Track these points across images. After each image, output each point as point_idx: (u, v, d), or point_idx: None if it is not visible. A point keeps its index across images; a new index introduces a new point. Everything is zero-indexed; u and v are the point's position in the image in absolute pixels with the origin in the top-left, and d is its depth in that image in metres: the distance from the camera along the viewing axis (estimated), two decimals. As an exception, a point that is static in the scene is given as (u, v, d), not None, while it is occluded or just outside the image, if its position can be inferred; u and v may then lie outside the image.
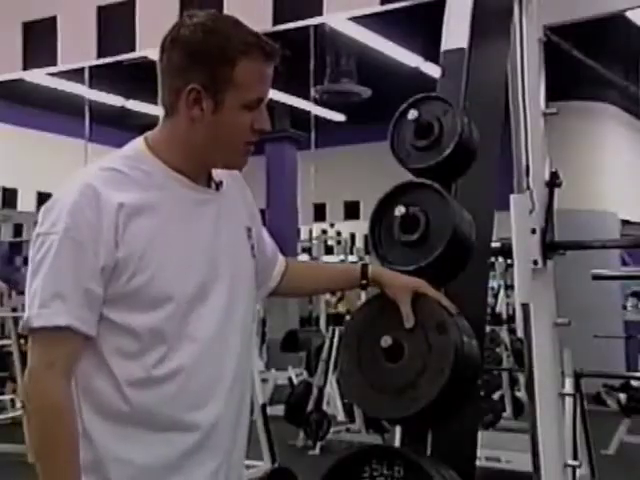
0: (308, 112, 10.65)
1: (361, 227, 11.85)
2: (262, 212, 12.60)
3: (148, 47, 3.92)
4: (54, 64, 4.40)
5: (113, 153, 1.59)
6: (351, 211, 14.36)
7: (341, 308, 11.25)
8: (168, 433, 1.52)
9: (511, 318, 8.23)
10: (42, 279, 1.46)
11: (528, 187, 2.34)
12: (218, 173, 1.65)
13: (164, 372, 1.50)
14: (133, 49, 3.99)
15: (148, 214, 1.50)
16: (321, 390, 7.03)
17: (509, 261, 2.41)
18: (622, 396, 6.98)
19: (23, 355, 6.28)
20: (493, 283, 8.94)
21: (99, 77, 7.79)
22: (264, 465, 5.30)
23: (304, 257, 11.76)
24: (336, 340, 7.04)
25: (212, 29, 1.52)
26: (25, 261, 9.19)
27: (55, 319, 1.44)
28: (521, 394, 7.51)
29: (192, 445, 1.53)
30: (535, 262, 2.27)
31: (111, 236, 1.46)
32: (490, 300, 8.69)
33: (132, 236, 1.48)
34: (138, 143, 1.59)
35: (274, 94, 11.49)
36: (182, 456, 1.53)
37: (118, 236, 1.46)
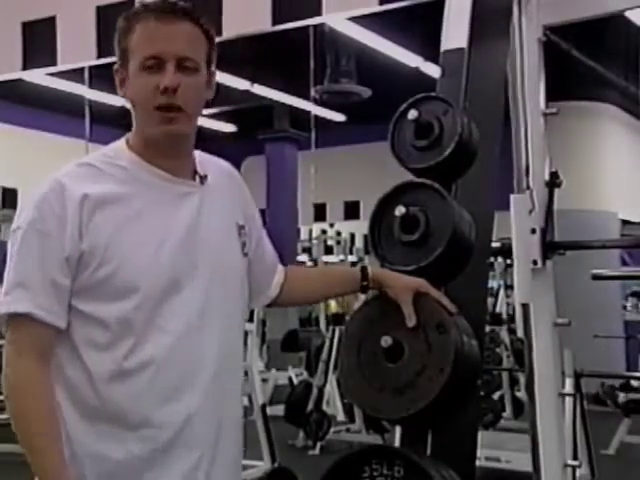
0: (308, 112, 10.63)
1: (361, 227, 11.83)
2: (262, 212, 12.59)
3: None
4: (54, 64, 4.40)
5: (96, 150, 1.62)
6: (351, 211, 14.35)
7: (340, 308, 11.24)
8: (140, 428, 1.51)
9: (511, 318, 8.23)
10: (10, 270, 1.50)
11: (528, 187, 2.34)
12: (205, 167, 1.65)
13: (134, 364, 1.50)
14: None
15: (116, 206, 1.51)
16: (321, 390, 7.03)
17: (509, 261, 2.41)
18: (622, 395, 6.98)
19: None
20: (493, 283, 8.93)
21: (99, 77, 7.78)
22: (264, 465, 5.30)
23: (304, 257, 11.75)
24: (336, 340, 7.04)
25: (121, 16, 1.57)
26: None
27: (14, 306, 1.48)
28: (521, 394, 7.50)
29: (166, 440, 1.53)
30: (535, 262, 2.27)
31: (75, 227, 1.48)
32: (490, 300, 8.68)
33: (97, 227, 1.49)
34: (119, 141, 1.62)
35: (274, 94, 11.51)
36: (156, 451, 1.53)
37: (82, 227, 1.49)
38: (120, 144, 1.61)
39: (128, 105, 1.60)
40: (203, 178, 1.63)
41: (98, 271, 1.49)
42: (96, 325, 1.51)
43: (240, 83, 10.48)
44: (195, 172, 1.63)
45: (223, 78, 9.83)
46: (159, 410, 1.52)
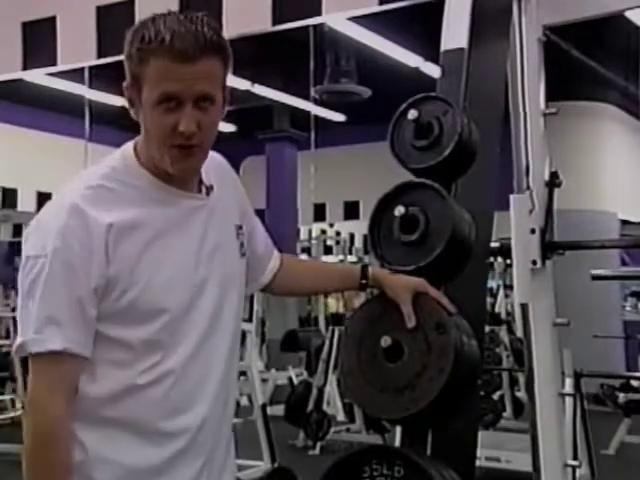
0: (308, 112, 10.63)
1: (361, 227, 11.83)
2: (262, 212, 12.60)
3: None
4: (54, 64, 4.40)
5: (101, 163, 1.58)
6: (351, 211, 14.35)
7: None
8: (154, 437, 1.52)
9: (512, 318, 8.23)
10: (36, 303, 1.45)
11: (528, 187, 2.34)
12: (206, 173, 1.63)
13: (152, 378, 1.50)
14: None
15: (138, 230, 1.50)
16: (321, 390, 7.03)
17: (508, 261, 2.41)
18: (622, 395, 6.99)
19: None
20: (492, 283, 8.93)
21: (99, 77, 7.79)
22: (264, 465, 5.30)
23: (303, 257, 11.74)
24: (336, 340, 7.04)
25: (137, 29, 1.49)
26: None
27: (50, 344, 1.43)
28: (521, 394, 7.50)
29: (179, 448, 1.53)
30: (534, 262, 2.27)
31: (102, 256, 1.46)
32: (490, 300, 8.68)
33: (122, 253, 1.47)
34: (127, 152, 1.58)
35: (274, 94, 11.51)
36: (168, 458, 1.53)
37: (109, 255, 1.46)
38: (129, 156, 1.57)
39: (140, 124, 1.55)
40: (209, 189, 1.62)
41: (124, 296, 1.48)
42: (120, 347, 1.50)
43: (240, 83, 10.47)
44: (201, 182, 1.62)
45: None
46: (174, 419, 1.53)
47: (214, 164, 1.70)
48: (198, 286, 1.55)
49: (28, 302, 1.46)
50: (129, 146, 1.59)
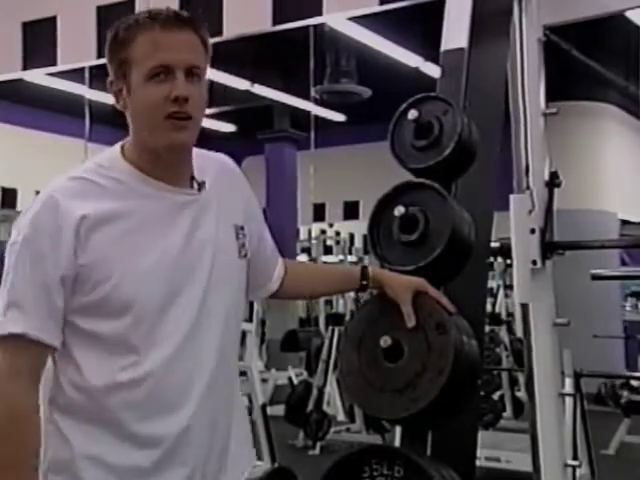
0: (308, 112, 10.62)
1: (361, 227, 11.82)
2: (262, 212, 12.59)
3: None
4: (54, 64, 4.42)
5: (91, 159, 1.59)
6: (351, 211, 14.35)
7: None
8: (138, 438, 1.50)
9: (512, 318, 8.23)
10: (5, 288, 1.47)
11: (528, 187, 2.34)
12: (203, 168, 1.63)
13: (132, 377, 1.49)
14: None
15: (114, 223, 1.49)
16: (321, 390, 7.03)
17: (508, 261, 2.41)
18: (624, 394, 6.98)
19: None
20: (492, 283, 8.93)
21: (99, 77, 7.78)
22: (264, 465, 5.29)
23: (303, 257, 11.74)
24: (336, 340, 7.04)
25: (118, 25, 1.53)
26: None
27: (9, 327, 1.44)
28: (521, 394, 7.50)
29: (162, 452, 1.51)
30: (534, 262, 2.28)
31: (70, 246, 1.46)
32: (490, 300, 8.67)
33: (95, 245, 1.47)
34: (114, 151, 1.58)
35: (274, 94, 11.52)
36: (153, 461, 1.51)
37: (79, 245, 1.46)
38: (115, 154, 1.57)
39: (128, 117, 1.57)
40: (201, 185, 1.60)
41: (96, 289, 1.47)
42: (95, 342, 1.50)
43: (240, 83, 10.46)
44: (192, 178, 1.60)
45: (223, 78, 9.82)
46: (157, 421, 1.51)
47: (216, 163, 1.69)
48: (180, 283, 1.53)
49: (3, 290, 1.48)
50: (116, 146, 1.60)
